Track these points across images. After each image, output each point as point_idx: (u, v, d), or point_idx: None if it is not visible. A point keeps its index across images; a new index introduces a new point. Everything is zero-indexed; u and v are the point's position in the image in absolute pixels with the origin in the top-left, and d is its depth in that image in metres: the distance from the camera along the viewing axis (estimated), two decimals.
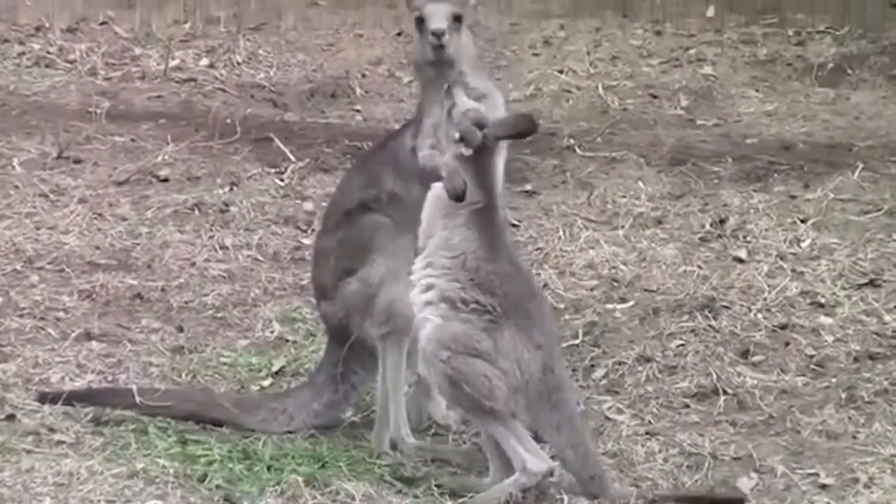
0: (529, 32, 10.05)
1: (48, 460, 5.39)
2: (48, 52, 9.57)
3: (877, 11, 10.03)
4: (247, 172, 8.04)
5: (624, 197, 7.79)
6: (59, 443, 5.57)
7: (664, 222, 7.56)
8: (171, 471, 5.35)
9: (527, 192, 7.88)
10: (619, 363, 6.40)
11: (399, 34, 9.94)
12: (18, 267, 7.05)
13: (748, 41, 9.88)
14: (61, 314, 6.68)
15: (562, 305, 6.85)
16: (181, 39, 9.82)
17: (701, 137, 8.61)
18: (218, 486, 5.33)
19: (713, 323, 6.61)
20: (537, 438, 5.45)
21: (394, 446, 5.82)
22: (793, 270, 7.01)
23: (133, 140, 8.40)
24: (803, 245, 7.24)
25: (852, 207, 7.61)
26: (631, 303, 6.85)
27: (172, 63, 9.47)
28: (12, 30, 9.84)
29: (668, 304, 6.77)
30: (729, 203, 7.66)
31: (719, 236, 7.39)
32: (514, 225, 7.45)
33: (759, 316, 6.67)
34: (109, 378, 6.19)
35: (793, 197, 7.75)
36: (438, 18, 5.73)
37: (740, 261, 7.15)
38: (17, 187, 7.79)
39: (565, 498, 5.41)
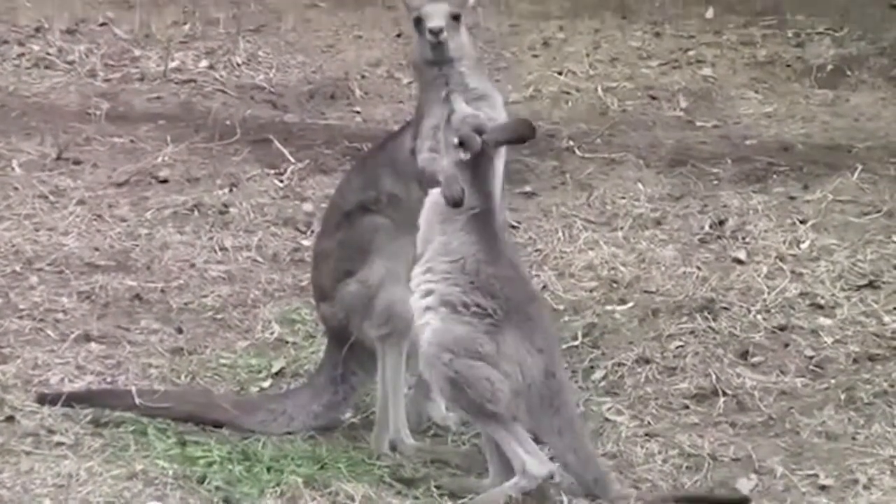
0: (529, 34, 10.05)
1: (47, 462, 5.39)
2: (47, 54, 9.56)
3: (876, 13, 10.04)
4: (246, 174, 8.04)
5: (623, 198, 7.79)
6: (59, 444, 5.57)
7: (663, 223, 7.56)
8: (171, 472, 5.35)
9: (526, 193, 7.88)
10: (619, 364, 6.40)
11: (398, 36, 9.94)
12: (18, 268, 7.05)
13: (747, 42, 9.88)
14: (60, 315, 6.68)
15: (561, 307, 6.84)
16: (181, 41, 9.81)
17: (700, 139, 8.61)
18: (217, 488, 5.33)
19: (712, 324, 6.61)
20: (537, 440, 5.45)
21: (393, 447, 5.82)
22: (792, 272, 7.01)
23: (132, 141, 8.39)
24: (802, 246, 7.24)
25: (851, 209, 7.62)
26: (630, 304, 6.85)
27: (172, 64, 9.46)
28: (12, 31, 9.83)
29: (667, 305, 6.77)
30: (728, 204, 7.67)
31: (718, 237, 7.39)
32: (513, 226, 7.44)
33: (759, 317, 6.67)
34: (109, 379, 6.19)
35: (792, 198, 7.75)
36: (437, 17, 5.73)
37: (740, 262, 7.16)
38: (16, 188, 7.78)
39: (565, 499, 5.42)
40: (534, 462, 5.36)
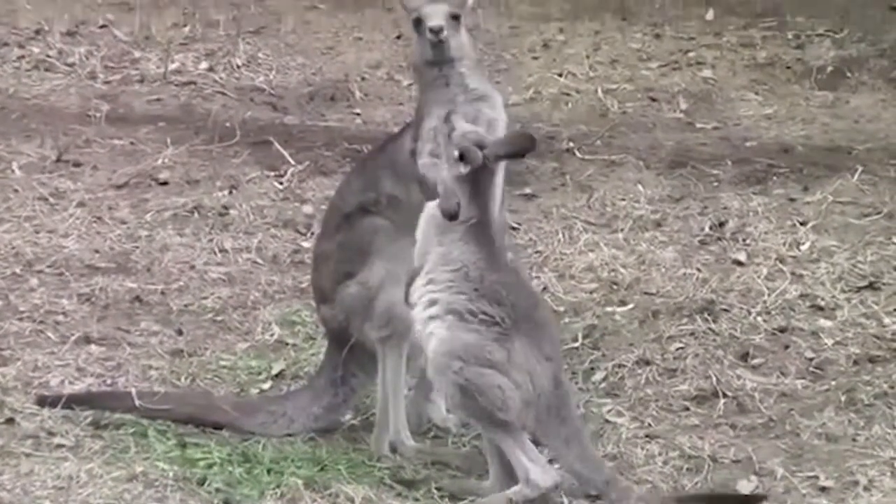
0: (529, 35, 10.04)
1: (48, 464, 5.39)
2: (47, 56, 9.56)
3: (876, 14, 10.03)
4: (246, 176, 8.04)
5: (623, 200, 7.79)
6: (59, 446, 5.57)
7: (663, 225, 7.56)
8: (171, 474, 5.36)
9: (526, 195, 7.88)
10: (619, 366, 6.40)
11: (398, 37, 9.94)
12: (18, 270, 7.05)
13: (747, 44, 9.88)
14: (60, 318, 6.68)
15: (561, 308, 6.84)
16: (180, 43, 9.81)
17: (700, 140, 8.61)
18: (217, 490, 5.34)
19: (713, 326, 6.61)
20: (536, 443, 5.44)
21: (393, 449, 5.82)
22: (792, 273, 7.01)
23: (132, 143, 8.39)
24: (803, 248, 7.24)
25: (851, 210, 7.62)
26: (630, 305, 6.85)
27: (172, 66, 9.46)
28: (12, 33, 9.83)
29: (667, 306, 6.77)
30: (728, 206, 7.67)
31: (719, 239, 7.39)
32: (513, 228, 7.44)
33: (759, 319, 6.67)
34: (109, 381, 6.19)
35: (792, 200, 7.74)
36: (437, 17, 5.73)
37: (740, 263, 7.15)
38: (16, 191, 7.78)
39: (565, 500, 5.42)
40: (538, 472, 5.35)
